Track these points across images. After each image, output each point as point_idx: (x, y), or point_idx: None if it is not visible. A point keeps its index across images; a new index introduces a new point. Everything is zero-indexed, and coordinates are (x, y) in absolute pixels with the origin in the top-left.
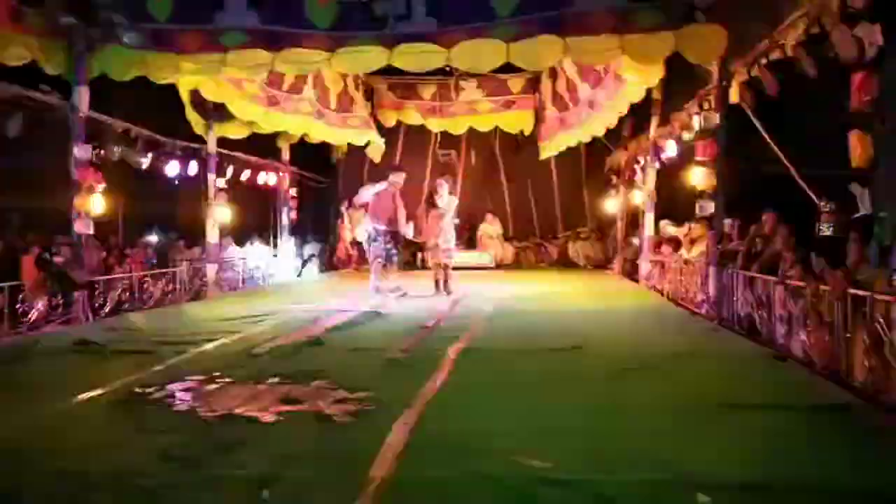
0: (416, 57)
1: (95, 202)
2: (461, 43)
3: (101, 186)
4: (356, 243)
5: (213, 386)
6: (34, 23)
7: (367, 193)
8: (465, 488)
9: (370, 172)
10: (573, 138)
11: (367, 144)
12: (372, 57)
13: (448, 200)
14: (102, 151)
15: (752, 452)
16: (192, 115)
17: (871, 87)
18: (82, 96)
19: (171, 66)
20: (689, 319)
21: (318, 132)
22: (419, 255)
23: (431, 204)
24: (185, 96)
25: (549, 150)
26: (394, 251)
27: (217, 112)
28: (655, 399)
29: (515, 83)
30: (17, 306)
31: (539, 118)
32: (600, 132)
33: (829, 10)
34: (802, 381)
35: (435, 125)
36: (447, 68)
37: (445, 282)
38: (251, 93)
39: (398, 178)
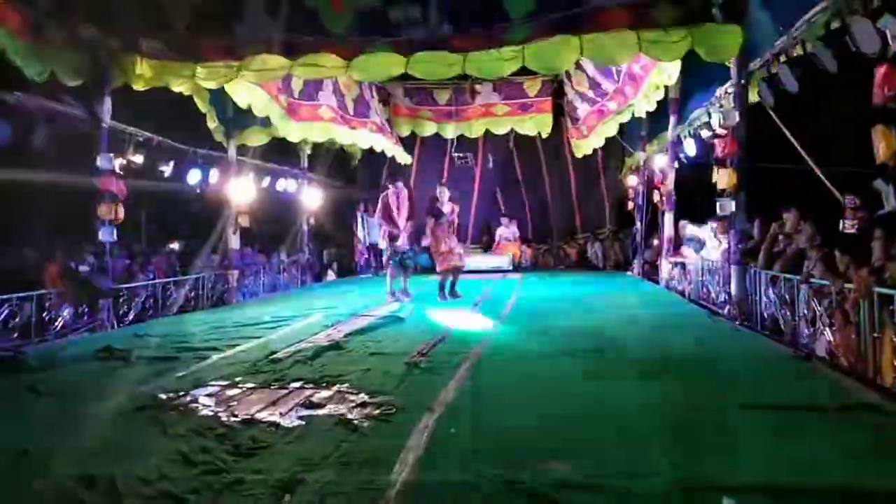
0: (432, 65)
1: (119, 210)
2: (477, 52)
3: (125, 195)
4: (372, 248)
5: (236, 391)
6: (54, 35)
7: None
8: (486, 492)
9: (389, 177)
10: (611, 128)
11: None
12: (388, 63)
13: (449, 208)
14: (126, 161)
15: (778, 454)
16: (213, 124)
17: (894, 81)
18: (105, 107)
19: (189, 74)
20: (712, 320)
21: (341, 137)
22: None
23: (436, 213)
24: (203, 106)
25: (584, 147)
26: (400, 255)
27: (236, 120)
28: (679, 401)
29: (532, 86)
30: (44, 314)
31: (570, 118)
32: (640, 112)
33: (850, 3)
34: (828, 382)
35: (451, 129)
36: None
37: (453, 284)
38: (283, 105)
39: (394, 185)
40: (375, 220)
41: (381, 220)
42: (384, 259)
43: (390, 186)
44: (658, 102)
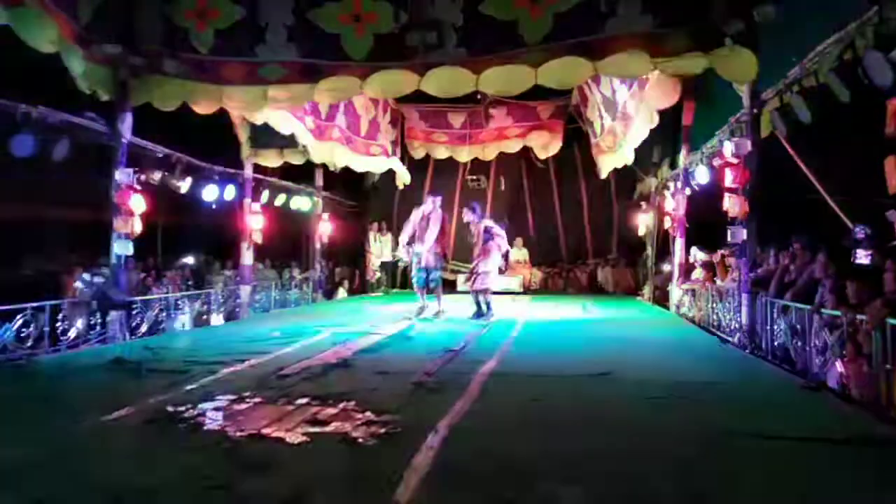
0: (445, 81)
1: (135, 224)
2: (490, 68)
3: (141, 209)
4: (385, 266)
5: (243, 406)
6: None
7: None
8: None
9: (402, 196)
10: (624, 153)
11: (388, 172)
12: (403, 80)
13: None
14: (143, 176)
15: (786, 485)
16: (245, 136)
17: None
18: (125, 122)
19: (215, 97)
20: (721, 348)
21: (344, 158)
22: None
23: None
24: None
25: (609, 164)
26: (425, 273)
27: (256, 139)
28: (686, 429)
29: (545, 109)
30: (58, 324)
31: (592, 134)
32: (636, 143)
33: (863, 35)
34: (838, 414)
35: (465, 153)
36: (478, 97)
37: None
38: (309, 127)
39: (427, 202)
40: (407, 228)
41: (408, 231)
42: (413, 273)
43: (429, 198)
44: (652, 130)
